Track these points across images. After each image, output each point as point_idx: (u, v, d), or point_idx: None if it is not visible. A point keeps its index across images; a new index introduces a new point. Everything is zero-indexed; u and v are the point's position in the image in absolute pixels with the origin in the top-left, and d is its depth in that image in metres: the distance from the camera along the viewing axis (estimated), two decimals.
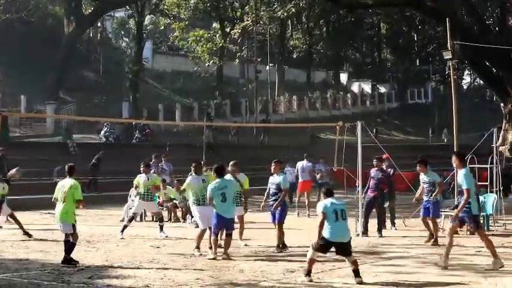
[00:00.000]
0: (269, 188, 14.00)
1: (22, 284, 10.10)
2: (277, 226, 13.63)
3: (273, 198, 13.74)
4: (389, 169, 17.24)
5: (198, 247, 13.26)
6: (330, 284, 10.29)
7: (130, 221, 16.29)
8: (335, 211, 10.34)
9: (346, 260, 10.47)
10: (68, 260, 11.85)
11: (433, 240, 14.67)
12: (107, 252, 13.45)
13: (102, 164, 28.04)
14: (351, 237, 10.54)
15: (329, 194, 10.75)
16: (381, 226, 16.14)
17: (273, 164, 14.01)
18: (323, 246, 10.42)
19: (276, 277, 10.83)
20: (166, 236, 15.94)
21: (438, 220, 15.55)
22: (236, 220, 13.85)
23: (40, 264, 11.91)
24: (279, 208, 13.58)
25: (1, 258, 12.73)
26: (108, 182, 27.19)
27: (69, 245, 11.98)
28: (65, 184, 12.15)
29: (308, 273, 10.42)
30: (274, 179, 13.82)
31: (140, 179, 16.40)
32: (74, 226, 12.04)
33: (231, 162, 14.42)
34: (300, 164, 22.15)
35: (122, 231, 15.81)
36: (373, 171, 16.28)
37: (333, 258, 12.59)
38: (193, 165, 14.18)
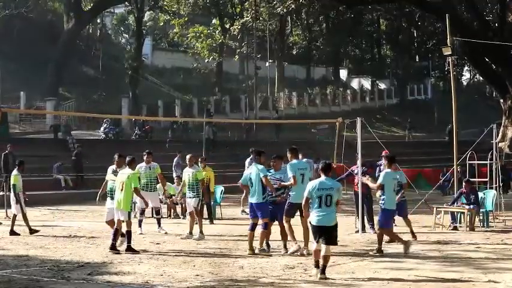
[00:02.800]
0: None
1: (22, 280, 10.09)
2: (280, 224, 13.09)
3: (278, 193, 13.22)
4: None
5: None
6: (329, 280, 10.28)
7: (142, 213, 16.18)
8: (319, 197, 10.48)
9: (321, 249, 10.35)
10: (131, 248, 12.86)
11: (412, 237, 14.44)
12: (106, 249, 13.44)
13: (101, 160, 27.96)
14: (335, 223, 10.54)
15: (325, 170, 10.83)
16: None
17: (272, 160, 13.36)
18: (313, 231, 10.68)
19: (276, 273, 10.83)
20: (166, 232, 15.94)
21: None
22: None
23: (40, 261, 11.91)
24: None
25: (1, 254, 12.75)
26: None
27: (127, 234, 12.96)
28: (124, 173, 13.14)
29: (317, 264, 10.46)
30: (275, 175, 13.53)
31: (140, 169, 15.79)
32: (129, 214, 13.02)
33: (188, 156, 15.65)
34: None
35: (140, 226, 15.80)
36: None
37: (332, 255, 12.63)
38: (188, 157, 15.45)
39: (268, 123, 44.89)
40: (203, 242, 14.56)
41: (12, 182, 16.23)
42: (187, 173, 15.43)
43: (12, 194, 16.18)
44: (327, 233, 10.36)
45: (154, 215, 16.46)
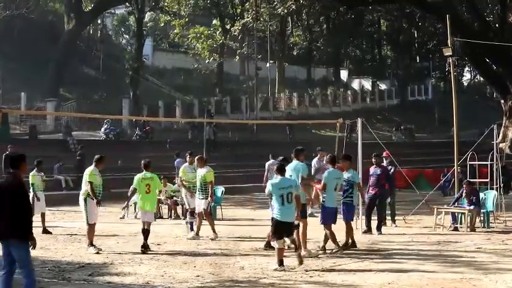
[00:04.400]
0: None
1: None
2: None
3: None
4: (390, 166, 17.25)
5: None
6: (329, 281, 10.29)
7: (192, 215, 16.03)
8: (281, 195, 11.18)
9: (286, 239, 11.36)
10: (146, 246, 13.18)
11: (343, 245, 13.21)
12: (107, 250, 13.46)
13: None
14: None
15: (279, 170, 11.53)
16: (381, 224, 16.13)
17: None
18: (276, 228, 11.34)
19: (276, 274, 10.83)
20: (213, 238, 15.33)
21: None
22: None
23: (40, 262, 11.90)
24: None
25: (0, 255, 12.73)
26: (106, 179, 27.10)
27: (146, 233, 13.36)
28: (146, 177, 13.55)
29: (281, 262, 11.12)
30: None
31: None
32: (155, 215, 13.77)
33: (197, 157, 15.86)
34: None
35: (192, 228, 15.68)
36: (372, 169, 16.27)
37: (333, 255, 12.63)
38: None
39: (267, 123, 44.84)
40: (204, 242, 14.58)
41: (30, 181, 16.03)
42: (197, 174, 15.51)
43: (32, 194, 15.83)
44: (290, 229, 11.39)
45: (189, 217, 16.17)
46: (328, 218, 13.05)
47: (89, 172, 13.56)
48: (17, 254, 8.32)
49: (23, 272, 8.42)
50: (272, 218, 11.68)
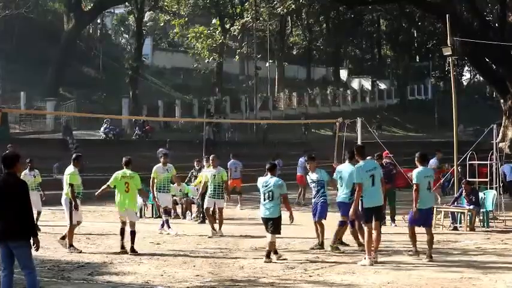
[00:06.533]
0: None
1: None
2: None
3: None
4: (390, 166, 17.24)
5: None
6: (329, 280, 10.29)
7: (166, 213, 16.36)
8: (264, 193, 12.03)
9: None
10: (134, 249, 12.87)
11: (318, 244, 13.30)
12: (107, 249, 13.46)
13: (101, 160, 27.98)
14: (277, 216, 12.03)
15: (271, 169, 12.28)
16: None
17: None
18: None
19: (276, 273, 10.83)
20: (177, 234, 15.84)
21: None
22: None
23: (40, 261, 11.89)
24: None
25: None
26: (107, 179, 27.09)
27: (132, 234, 13.00)
28: (125, 175, 13.24)
29: (268, 254, 11.87)
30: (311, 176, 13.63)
31: (158, 170, 16.27)
32: (136, 214, 13.20)
33: (211, 156, 16.62)
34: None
35: (168, 226, 16.03)
36: None
37: (332, 255, 12.63)
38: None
39: (266, 123, 44.84)
40: (203, 242, 14.59)
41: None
42: (212, 174, 15.92)
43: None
44: (273, 224, 11.93)
45: (164, 215, 16.36)
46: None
47: (70, 173, 13.32)
48: (20, 254, 8.31)
49: (25, 272, 8.41)
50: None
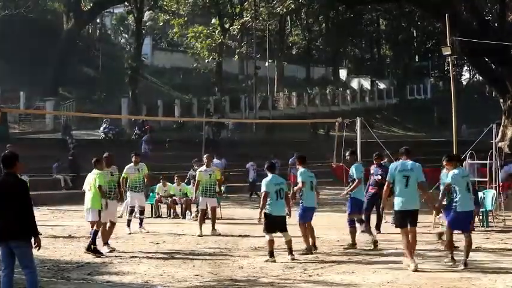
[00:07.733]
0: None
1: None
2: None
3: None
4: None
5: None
6: (328, 280, 10.29)
7: (131, 213, 16.53)
8: (276, 191, 11.92)
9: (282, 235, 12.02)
10: (93, 249, 12.56)
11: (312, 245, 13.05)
12: (107, 249, 13.43)
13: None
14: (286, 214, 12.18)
15: (270, 168, 12.25)
16: (380, 223, 16.11)
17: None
18: (269, 223, 11.92)
19: (275, 273, 10.83)
20: (148, 231, 16.11)
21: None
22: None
23: (39, 261, 11.87)
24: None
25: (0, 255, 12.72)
26: None
27: (93, 233, 12.70)
28: (90, 175, 13.19)
29: (271, 254, 11.81)
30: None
31: (129, 170, 16.26)
32: (99, 212, 12.76)
33: (205, 156, 16.62)
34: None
35: (128, 226, 16.12)
36: (372, 168, 16.22)
37: (332, 255, 12.64)
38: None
39: (266, 123, 44.85)
40: (203, 242, 14.59)
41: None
42: (208, 173, 15.96)
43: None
44: (283, 223, 12.00)
45: (138, 215, 16.42)
46: (306, 217, 13.01)
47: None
48: (21, 254, 8.31)
49: (26, 271, 8.41)
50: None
